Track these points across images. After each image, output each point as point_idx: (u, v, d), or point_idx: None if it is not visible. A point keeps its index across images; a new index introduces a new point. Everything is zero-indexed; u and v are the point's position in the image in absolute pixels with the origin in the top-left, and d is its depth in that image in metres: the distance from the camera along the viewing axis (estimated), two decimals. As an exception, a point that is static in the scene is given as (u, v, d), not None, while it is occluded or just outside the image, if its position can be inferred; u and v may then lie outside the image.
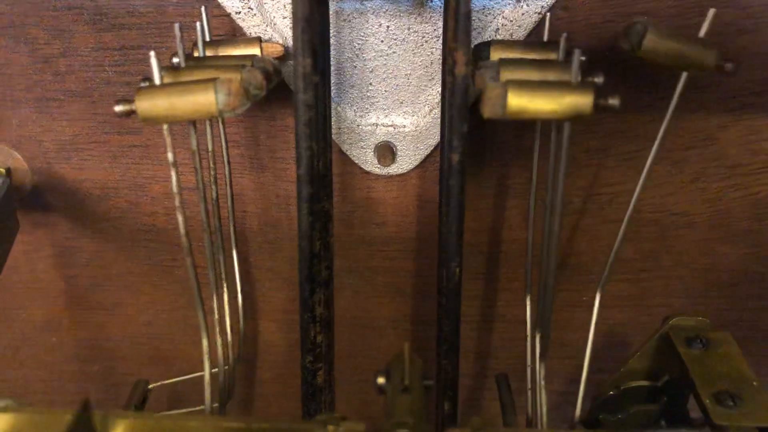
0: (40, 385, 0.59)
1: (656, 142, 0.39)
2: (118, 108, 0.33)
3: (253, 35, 0.44)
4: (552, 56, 0.38)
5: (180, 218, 0.35)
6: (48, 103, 0.48)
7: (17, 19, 0.45)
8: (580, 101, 0.32)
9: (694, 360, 0.40)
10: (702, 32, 0.37)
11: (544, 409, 0.43)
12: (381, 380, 0.31)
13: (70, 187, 0.50)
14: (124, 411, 0.25)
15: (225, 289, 0.44)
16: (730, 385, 0.38)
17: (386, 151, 0.47)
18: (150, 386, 0.46)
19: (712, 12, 0.37)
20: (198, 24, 0.39)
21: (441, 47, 0.44)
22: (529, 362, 0.46)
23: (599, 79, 0.36)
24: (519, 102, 0.33)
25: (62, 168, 0.50)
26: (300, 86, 0.34)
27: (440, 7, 0.43)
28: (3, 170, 0.49)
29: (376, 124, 0.47)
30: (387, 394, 0.30)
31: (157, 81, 0.33)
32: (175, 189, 0.34)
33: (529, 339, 0.46)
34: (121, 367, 0.58)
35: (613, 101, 0.33)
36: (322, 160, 0.38)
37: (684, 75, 0.37)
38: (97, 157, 0.49)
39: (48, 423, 0.26)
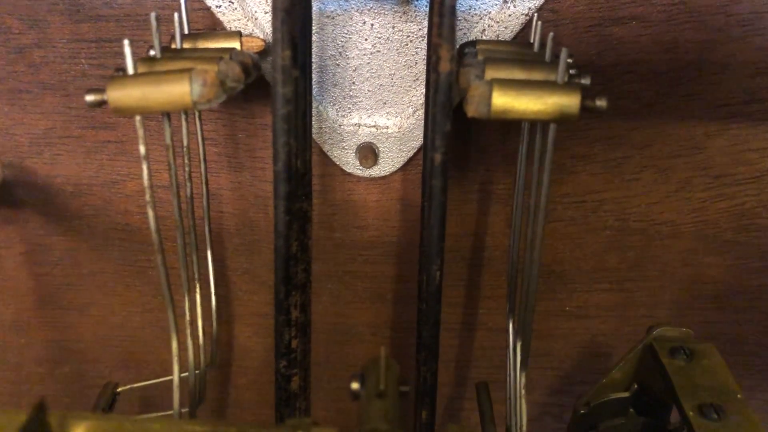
0: (8, 387, 0.57)
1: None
2: (89, 97, 0.32)
3: (234, 29, 0.43)
4: (538, 56, 0.37)
5: (150, 214, 0.34)
6: (21, 95, 0.46)
7: (-9, 8, 0.44)
8: (567, 102, 0.31)
9: (678, 371, 0.39)
10: (559, 78, 0.32)
11: (524, 419, 0.42)
12: (355, 385, 0.29)
13: (42, 183, 0.49)
14: (84, 412, 0.24)
15: (198, 291, 0.43)
16: (714, 398, 0.37)
17: (368, 153, 0.46)
18: (119, 389, 0.45)
19: (550, 37, 0.35)
20: (176, 15, 0.38)
21: (425, 47, 0.43)
22: (509, 372, 0.45)
23: (586, 81, 0.35)
24: (504, 101, 0.32)
25: (34, 163, 0.48)
26: (279, 79, 0.33)
27: (425, 5, 0.42)
28: (-28, 163, 0.47)
29: (359, 125, 0.46)
30: (361, 399, 0.28)
31: (130, 71, 0.32)
32: (146, 183, 0.33)
33: (510, 348, 0.45)
34: (91, 369, 0.56)
35: (601, 102, 0.32)
36: (300, 158, 0.37)
37: (552, 127, 0.33)
38: (71, 153, 0.48)
39: (1, 423, 0.25)
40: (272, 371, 0.55)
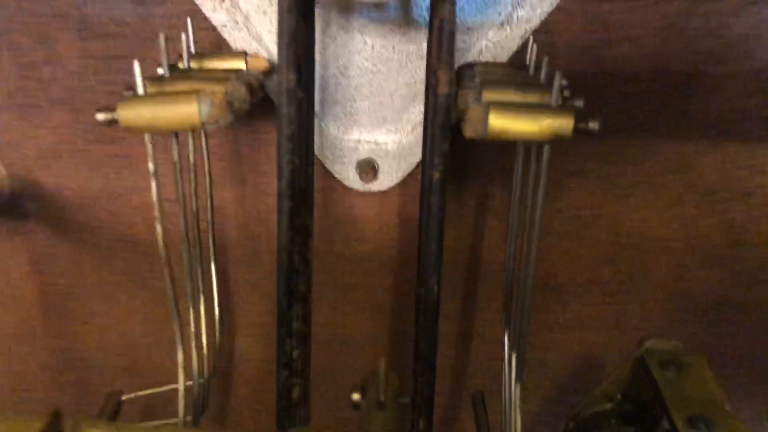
0: (12, 394, 0.58)
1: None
2: (100, 116, 0.33)
3: (239, 49, 0.44)
4: (534, 79, 0.39)
5: (158, 228, 0.35)
6: (30, 109, 0.47)
7: (2, 25, 0.45)
8: (561, 124, 0.33)
9: (668, 383, 0.40)
10: (553, 101, 0.34)
11: (519, 430, 0.43)
12: (356, 396, 0.31)
13: (49, 195, 0.50)
14: (95, 420, 0.25)
15: (202, 302, 0.44)
16: (703, 409, 0.38)
17: (368, 168, 0.47)
18: (123, 398, 0.46)
19: (545, 60, 0.35)
20: (183, 35, 0.39)
21: (424, 67, 0.45)
22: (505, 383, 0.46)
23: (579, 103, 0.37)
24: (500, 123, 0.33)
25: (42, 176, 0.49)
26: (284, 100, 0.34)
27: (425, 26, 0.43)
28: (-19, 176, 0.48)
29: (359, 141, 0.47)
30: (361, 410, 0.30)
31: (140, 90, 0.33)
32: (154, 199, 0.34)
33: (505, 360, 0.46)
34: (94, 377, 0.57)
35: (593, 125, 0.33)
36: (303, 175, 0.38)
37: (547, 147, 0.35)
38: (78, 166, 0.49)
39: (17, 430, 0.26)
40: (273, 380, 0.56)
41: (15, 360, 0.57)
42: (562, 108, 0.33)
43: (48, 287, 0.53)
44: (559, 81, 0.33)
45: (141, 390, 0.50)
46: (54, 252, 0.52)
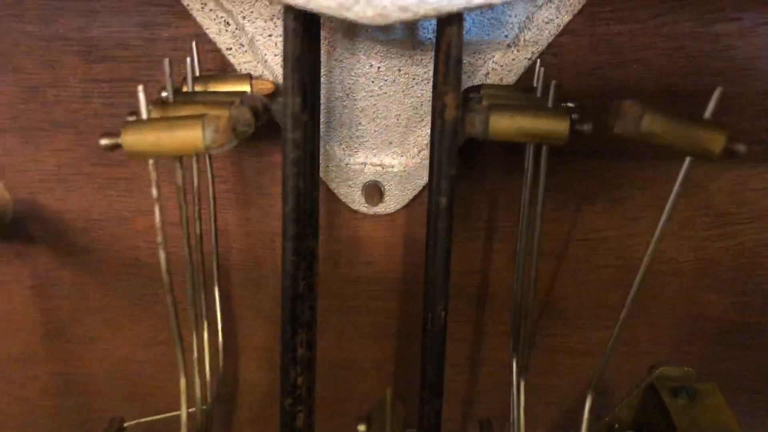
0: (13, 420, 0.57)
1: (663, 217, 0.37)
2: (103, 141, 0.33)
3: (244, 71, 0.44)
4: (541, 101, 0.38)
5: (162, 255, 0.34)
6: (33, 132, 0.47)
7: (6, 48, 0.45)
8: (557, 126, 0.33)
9: (680, 411, 0.39)
10: (708, 113, 0.33)
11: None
12: (362, 428, 0.30)
13: (53, 218, 0.49)
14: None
15: (205, 327, 0.43)
16: (716, 438, 0.37)
17: (374, 191, 0.47)
18: (125, 424, 0.45)
19: (718, 91, 0.33)
20: (188, 59, 0.39)
21: (430, 89, 0.44)
22: (513, 408, 0.45)
23: (589, 128, 0.36)
24: (500, 124, 0.33)
25: (45, 198, 0.49)
26: (289, 125, 0.33)
27: (431, 49, 0.43)
28: (-16, 199, 0.48)
29: (365, 164, 0.47)
30: (368, 442, 0.29)
31: (144, 115, 0.33)
32: (158, 225, 0.34)
33: (514, 385, 0.45)
34: (96, 402, 0.56)
35: (587, 127, 0.33)
36: (308, 199, 0.37)
37: (688, 160, 0.35)
38: (82, 189, 0.49)
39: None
40: (276, 405, 0.56)
41: (16, 384, 0.56)
42: (557, 111, 0.34)
43: (50, 311, 0.53)
44: (554, 88, 0.33)
45: (143, 415, 0.50)
46: (57, 275, 0.52)
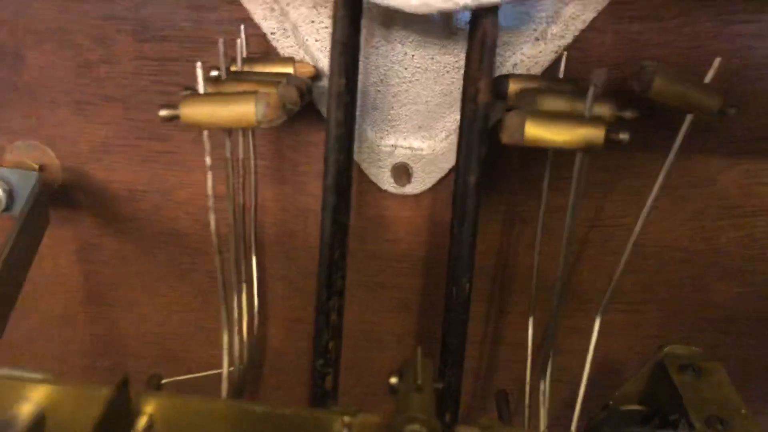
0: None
1: (660, 178, 0.41)
2: (162, 113, 0.36)
3: (286, 55, 0.46)
4: (567, 91, 0.41)
5: (212, 219, 0.37)
6: (85, 106, 0.50)
7: (64, 26, 0.47)
8: (593, 134, 0.35)
9: (687, 386, 0.42)
10: (708, 78, 0.40)
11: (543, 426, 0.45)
12: (393, 380, 0.33)
13: (99, 187, 0.53)
14: (156, 391, 0.27)
15: (245, 292, 0.46)
16: (720, 412, 0.40)
17: (402, 172, 0.50)
18: (163, 381, 0.48)
19: (717, 61, 0.40)
20: (238, 41, 0.42)
21: (460, 77, 0.47)
22: (528, 380, 0.47)
23: (630, 114, 0.39)
24: (536, 131, 0.35)
25: (93, 168, 0.52)
26: (333, 104, 0.36)
27: (463, 39, 0.46)
28: (36, 166, 0.51)
29: (395, 146, 0.49)
30: (399, 392, 0.32)
31: (201, 90, 0.36)
32: (209, 191, 0.37)
33: (529, 359, 0.48)
34: (131, 364, 0.60)
35: (623, 135, 0.35)
36: (345, 175, 0.40)
37: (689, 117, 0.40)
38: (127, 161, 0.52)
39: (86, 396, 0.28)
40: (300, 372, 0.59)
41: (56, 343, 0.59)
42: (594, 119, 0.35)
43: (92, 275, 0.56)
44: (592, 93, 0.35)
45: (174, 377, 0.53)
46: (100, 242, 0.55)
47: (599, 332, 0.55)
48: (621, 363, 0.57)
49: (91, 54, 0.48)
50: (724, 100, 0.40)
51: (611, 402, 0.45)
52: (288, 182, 0.52)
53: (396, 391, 0.32)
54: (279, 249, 0.54)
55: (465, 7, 0.32)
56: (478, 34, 0.36)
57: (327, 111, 0.37)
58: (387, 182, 0.51)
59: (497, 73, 0.46)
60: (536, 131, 0.35)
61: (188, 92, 0.38)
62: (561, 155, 0.43)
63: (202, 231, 0.54)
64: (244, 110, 0.35)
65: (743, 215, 0.51)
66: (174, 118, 0.36)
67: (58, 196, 0.52)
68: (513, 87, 0.42)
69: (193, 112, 0.35)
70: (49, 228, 0.52)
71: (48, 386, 0.29)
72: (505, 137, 0.36)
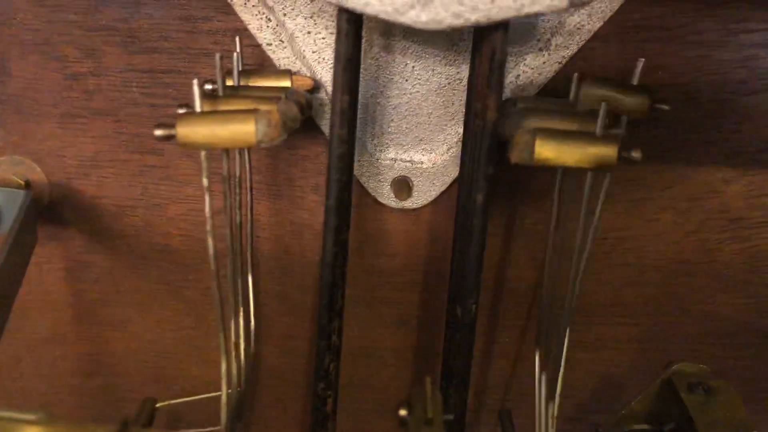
0: (39, 398, 0.59)
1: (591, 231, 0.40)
2: (158, 132, 0.34)
3: (283, 67, 0.45)
4: (573, 106, 0.40)
5: (210, 243, 0.36)
6: (73, 119, 0.48)
7: (51, 37, 0.46)
8: (605, 152, 0.34)
9: (697, 406, 0.41)
10: (634, 80, 0.40)
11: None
12: (403, 412, 0.31)
13: (88, 203, 0.51)
14: (154, 430, 0.26)
15: (241, 313, 0.45)
16: (731, 431, 0.39)
17: (403, 186, 0.49)
18: (158, 405, 0.47)
19: (641, 62, 0.40)
20: (234, 54, 0.40)
21: (461, 89, 0.46)
22: (537, 402, 0.46)
23: (621, 132, 0.38)
24: (546, 151, 0.34)
25: (81, 184, 0.50)
26: (336, 121, 0.35)
27: (465, 50, 0.44)
28: (22, 182, 0.49)
29: (395, 159, 0.48)
30: (409, 426, 0.31)
31: (198, 108, 0.34)
32: (207, 213, 0.35)
33: (537, 379, 0.47)
34: (122, 383, 0.58)
35: (636, 154, 0.34)
36: (347, 192, 0.39)
37: (590, 175, 0.38)
38: (117, 176, 0.50)
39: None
40: (297, 391, 0.57)
41: (45, 363, 0.57)
42: (606, 137, 0.34)
43: (81, 293, 0.54)
44: (604, 111, 0.34)
45: (168, 397, 0.51)
46: (89, 259, 0.53)
47: (603, 346, 0.55)
48: (624, 377, 0.56)
49: (78, 66, 0.47)
50: (651, 98, 0.39)
51: (617, 422, 0.44)
52: (283, 197, 0.50)
53: (405, 424, 0.31)
54: (275, 264, 0.53)
55: (477, 23, 0.31)
56: (487, 49, 0.34)
57: (330, 128, 0.36)
58: (386, 196, 0.49)
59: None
60: (547, 151, 0.34)
61: (184, 110, 0.36)
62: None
63: (195, 247, 0.52)
64: (244, 130, 0.34)
65: (747, 227, 0.50)
66: (169, 138, 0.34)
67: (45, 212, 0.51)
68: (520, 102, 0.40)
69: (190, 132, 0.34)
70: (36, 245, 0.50)
71: (40, 427, 0.27)
72: (514, 157, 0.34)
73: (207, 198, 0.35)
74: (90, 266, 0.53)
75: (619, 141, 0.34)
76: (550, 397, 0.42)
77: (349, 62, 0.34)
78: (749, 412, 0.42)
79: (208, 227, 0.36)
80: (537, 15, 0.31)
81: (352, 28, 0.33)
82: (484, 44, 0.34)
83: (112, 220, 0.51)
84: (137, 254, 0.53)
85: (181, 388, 0.57)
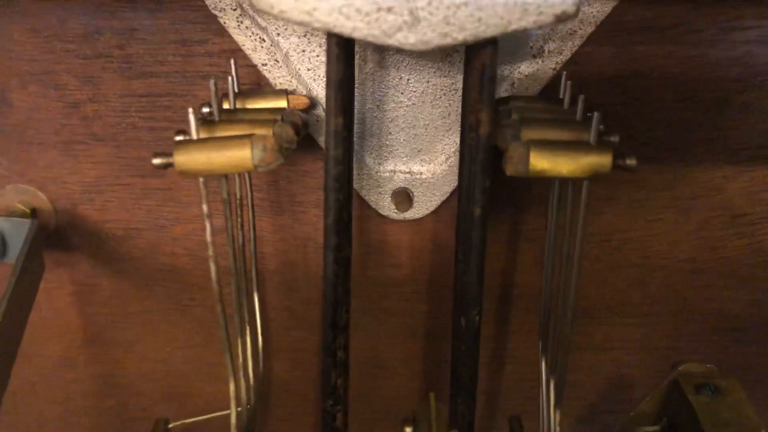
0: (55, 421, 0.60)
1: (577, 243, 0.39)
2: (156, 161, 0.35)
3: (279, 86, 0.45)
4: (568, 113, 0.40)
5: (212, 268, 0.36)
6: (74, 146, 0.49)
7: (48, 66, 0.46)
8: (600, 161, 0.34)
9: (704, 407, 0.41)
10: (563, 96, 0.40)
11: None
12: (408, 429, 0.32)
13: (93, 228, 0.51)
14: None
15: (248, 332, 0.45)
16: (740, 433, 0.39)
17: (403, 197, 0.49)
18: (170, 425, 0.47)
19: (564, 75, 0.41)
20: (229, 78, 0.41)
21: (457, 99, 0.46)
22: (542, 407, 0.47)
23: (615, 138, 0.38)
24: (541, 162, 0.34)
25: (86, 209, 0.51)
26: (332, 143, 0.35)
27: (459, 60, 0.45)
28: (28, 211, 0.50)
29: (394, 171, 0.48)
30: (415, 443, 0.31)
31: (194, 136, 0.35)
32: (209, 239, 0.36)
33: (543, 383, 0.47)
34: (135, 402, 0.59)
35: (630, 161, 0.34)
36: (346, 209, 0.39)
37: (586, 183, 0.36)
38: (121, 199, 0.50)
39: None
40: (307, 404, 0.58)
41: (57, 387, 0.58)
42: (600, 146, 0.34)
43: (91, 316, 0.55)
44: (597, 120, 0.34)
45: (181, 415, 0.52)
46: (97, 282, 0.53)
47: (610, 347, 0.55)
48: (632, 376, 0.56)
49: (77, 93, 0.47)
50: (615, 153, 0.35)
51: (625, 425, 0.44)
52: (285, 212, 0.51)
53: (412, 441, 0.31)
54: (280, 280, 0.53)
55: (464, 42, 0.31)
56: (477, 64, 0.34)
57: (325, 149, 0.36)
58: (387, 208, 0.50)
59: (495, 94, 0.45)
60: (542, 163, 0.34)
61: (180, 137, 0.37)
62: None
63: (201, 266, 0.53)
64: (240, 156, 0.34)
65: (750, 223, 0.50)
66: (168, 166, 0.35)
67: (51, 238, 0.51)
68: (515, 113, 0.40)
69: (187, 160, 0.34)
70: (44, 272, 0.51)
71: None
72: (510, 169, 0.35)
73: (207, 225, 0.36)
74: (98, 289, 0.54)
75: (614, 149, 0.34)
76: (557, 402, 0.42)
77: (340, 85, 0.34)
78: (758, 408, 0.42)
79: (210, 252, 0.36)
80: (524, 30, 0.31)
81: (343, 51, 0.34)
82: (475, 60, 0.34)
83: (117, 243, 0.52)
84: (144, 275, 0.53)
85: (193, 405, 0.57)
